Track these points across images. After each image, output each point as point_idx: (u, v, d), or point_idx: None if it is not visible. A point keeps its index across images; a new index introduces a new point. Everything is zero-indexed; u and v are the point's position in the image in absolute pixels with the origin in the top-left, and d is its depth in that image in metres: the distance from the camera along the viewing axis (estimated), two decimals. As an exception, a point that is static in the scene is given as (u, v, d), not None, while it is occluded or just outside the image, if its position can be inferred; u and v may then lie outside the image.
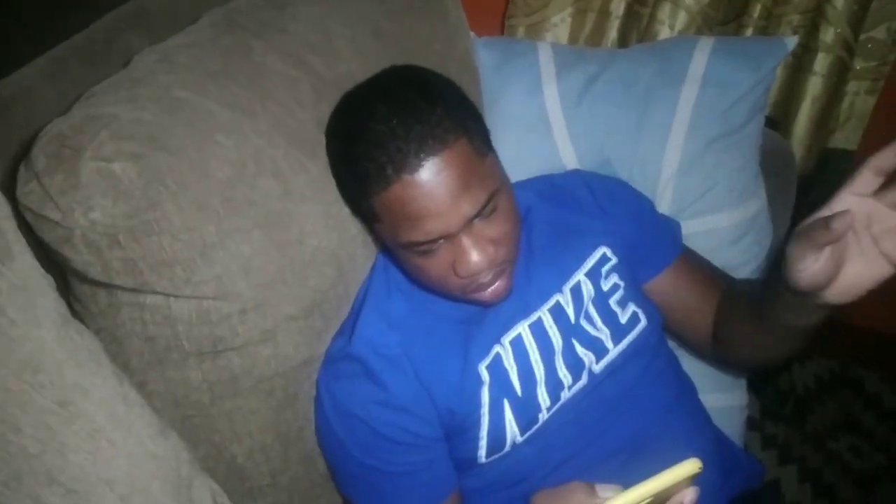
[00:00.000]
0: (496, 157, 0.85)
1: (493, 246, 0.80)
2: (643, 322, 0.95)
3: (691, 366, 1.13)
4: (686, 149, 1.13)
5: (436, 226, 0.76)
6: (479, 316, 0.90)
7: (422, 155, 0.73)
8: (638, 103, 1.14)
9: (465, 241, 0.78)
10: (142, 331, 0.74)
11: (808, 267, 0.68)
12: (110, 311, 0.74)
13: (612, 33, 1.41)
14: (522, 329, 0.90)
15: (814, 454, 1.59)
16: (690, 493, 0.64)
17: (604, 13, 1.40)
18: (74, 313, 0.76)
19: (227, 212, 0.72)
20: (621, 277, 0.97)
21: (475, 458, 0.88)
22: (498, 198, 0.80)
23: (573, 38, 1.45)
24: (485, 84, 1.20)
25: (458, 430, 0.88)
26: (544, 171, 1.15)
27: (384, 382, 0.85)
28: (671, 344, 1.11)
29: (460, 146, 0.76)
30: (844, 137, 1.42)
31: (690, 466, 0.60)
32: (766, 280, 0.80)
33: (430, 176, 0.74)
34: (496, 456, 0.88)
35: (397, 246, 0.82)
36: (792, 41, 1.14)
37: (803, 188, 1.44)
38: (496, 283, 0.83)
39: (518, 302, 0.91)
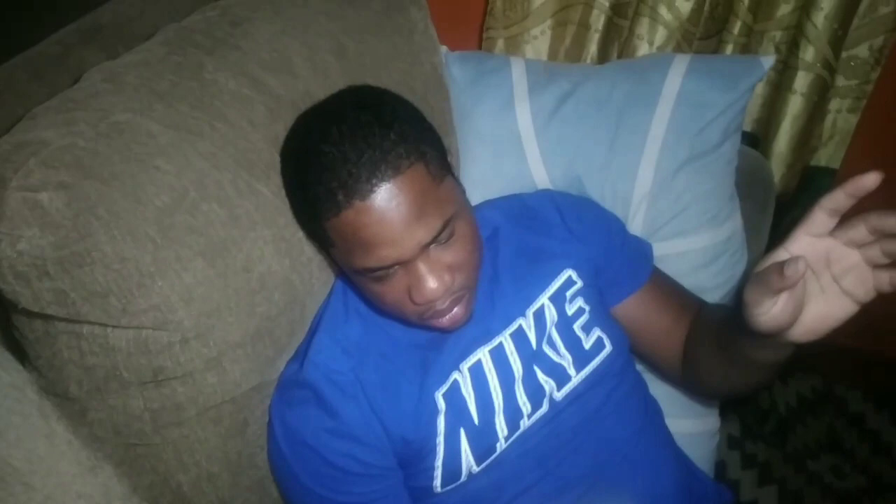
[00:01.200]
0: (454, 180, 0.83)
1: (450, 273, 0.78)
2: (608, 348, 0.93)
3: (661, 390, 1.11)
4: (659, 169, 1.10)
5: (389, 253, 0.74)
6: (438, 341, 0.88)
7: (374, 181, 0.71)
8: (610, 122, 1.12)
9: (422, 267, 0.76)
10: (79, 360, 0.72)
11: (766, 311, 0.66)
12: (46, 339, 0.72)
13: (593, 47, 1.39)
14: (482, 355, 0.88)
15: (794, 475, 1.58)
16: None
17: (584, 26, 1.38)
18: (15, 340, 0.75)
19: (166, 241, 0.69)
20: (587, 301, 0.94)
21: (430, 487, 0.86)
22: (455, 223, 0.78)
23: (553, 51, 1.42)
24: (457, 99, 1.18)
25: (412, 459, 0.86)
26: (515, 189, 1.13)
27: (335, 410, 0.83)
28: (640, 368, 1.09)
29: (414, 171, 0.74)
30: (827, 155, 1.40)
31: None
32: (731, 314, 0.78)
33: (383, 202, 0.72)
34: (452, 486, 0.86)
35: (352, 271, 0.80)
36: (769, 60, 1.11)
37: (784, 207, 1.41)
38: (454, 310, 0.81)
39: (479, 327, 0.89)
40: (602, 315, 0.96)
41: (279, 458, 0.86)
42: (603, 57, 1.39)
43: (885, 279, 0.63)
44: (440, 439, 0.85)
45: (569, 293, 0.94)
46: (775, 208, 1.42)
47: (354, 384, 0.85)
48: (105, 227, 0.65)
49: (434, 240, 0.75)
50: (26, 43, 0.90)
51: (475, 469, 0.86)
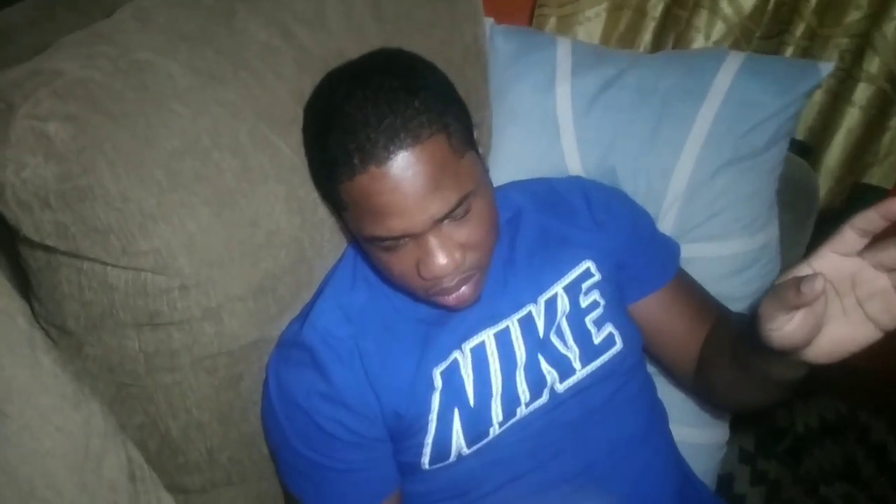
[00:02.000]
0: (477, 157, 0.80)
1: (461, 251, 0.76)
2: (618, 345, 0.90)
3: (671, 395, 1.08)
4: (697, 168, 1.06)
5: (399, 223, 0.72)
6: (443, 318, 0.87)
7: (391, 147, 0.69)
8: (653, 114, 1.08)
9: (432, 241, 0.74)
10: (78, 294, 0.72)
11: (780, 327, 0.63)
12: (48, 270, 0.72)
13: (647, 35, 1.34)
14: (487, 337, 0.86)
15: (804, 498, 1.53)
16: None
17: (640, 12, 1.33)
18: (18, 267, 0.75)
19: (172, 185, 0.69)
20: (602, 295, 0.92)
21: (419, 463, 0.85)
22: (472, 201, 0.76)
23: (606, 36, 1.38)
24: (499, 74, 1.14)
25: (403, 433, 0.85)
26: (546, 172, 1.09)
27: (329, 375, 0.82)
28: (652, 370, 1.06)
29: (435, 142, 0.71)
30: (881, 174, 1.33)
31: None
32: (747, 325, 0.74)
33: (399, 171, 0.70)
34: (440, 464, 0.85)
35: (362, 238, 0.78)
36: (828, 67, 1.06)
37: (828, 222, 1.36)
38: (462, 289, 0.79)
39: (487, 308, 0.87)
40: (617, 311, 0.93)
41: (271, 415, 0.85)
42: (657, 46, 1.34)
43: None
44: (433, 416, 0.83)
45: (584, 285, 0.91)
46: (819, 223, 1.37)
47: (352, 351, 0.83)
48: (110, 165, 0.64)
49: (448, 215, 0.73)
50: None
51: (465, 451, 0.84)
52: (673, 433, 0.99)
